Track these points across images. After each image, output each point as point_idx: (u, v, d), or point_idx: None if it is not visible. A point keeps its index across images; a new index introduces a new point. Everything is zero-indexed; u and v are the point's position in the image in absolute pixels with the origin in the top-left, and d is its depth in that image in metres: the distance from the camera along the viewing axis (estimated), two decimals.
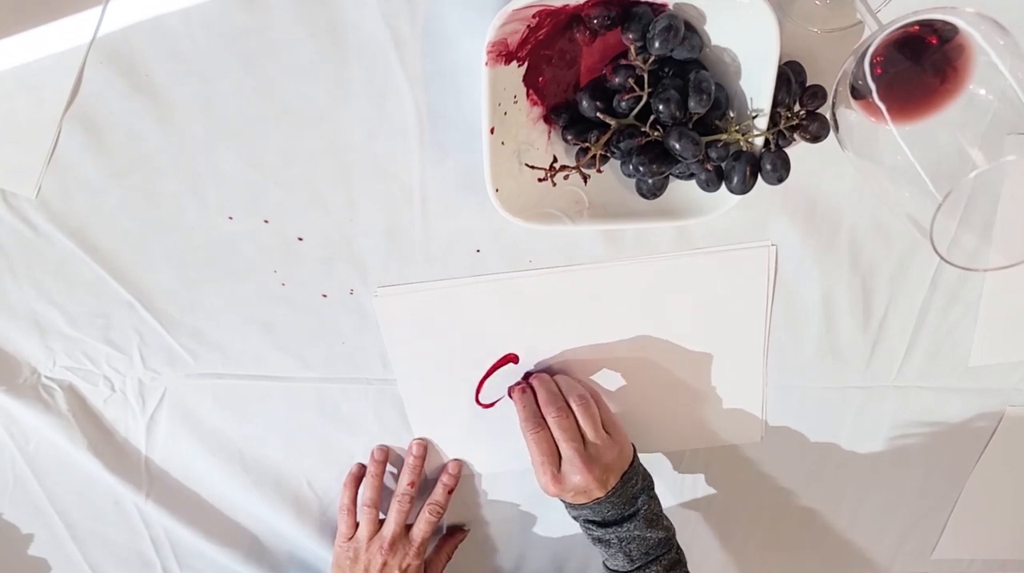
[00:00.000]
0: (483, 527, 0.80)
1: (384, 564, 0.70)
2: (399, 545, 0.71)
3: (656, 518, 0.67)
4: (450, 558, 0.78)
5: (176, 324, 0.66)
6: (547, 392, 0.66)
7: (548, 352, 0.69)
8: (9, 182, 0.58)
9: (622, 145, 0.53)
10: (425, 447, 0.73)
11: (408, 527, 0.72)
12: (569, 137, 0.55)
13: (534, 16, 0.49)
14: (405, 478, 0.72)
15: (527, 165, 0.55)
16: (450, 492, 0.73)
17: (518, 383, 0.69)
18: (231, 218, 0.61)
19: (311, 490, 0.75)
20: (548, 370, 0.70)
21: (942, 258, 0.43)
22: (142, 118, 0.56)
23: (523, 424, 0.66)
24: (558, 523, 0.80)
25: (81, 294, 0.64)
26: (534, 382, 0.68)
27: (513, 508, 0.79)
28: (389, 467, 0.74)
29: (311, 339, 0.67)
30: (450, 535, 0.79)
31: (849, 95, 0.45)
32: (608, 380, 0.71)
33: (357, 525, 0.72)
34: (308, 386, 0.69)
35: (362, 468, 0.73)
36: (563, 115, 0.55)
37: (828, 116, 0.48)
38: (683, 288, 0.66)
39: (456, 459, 0.74)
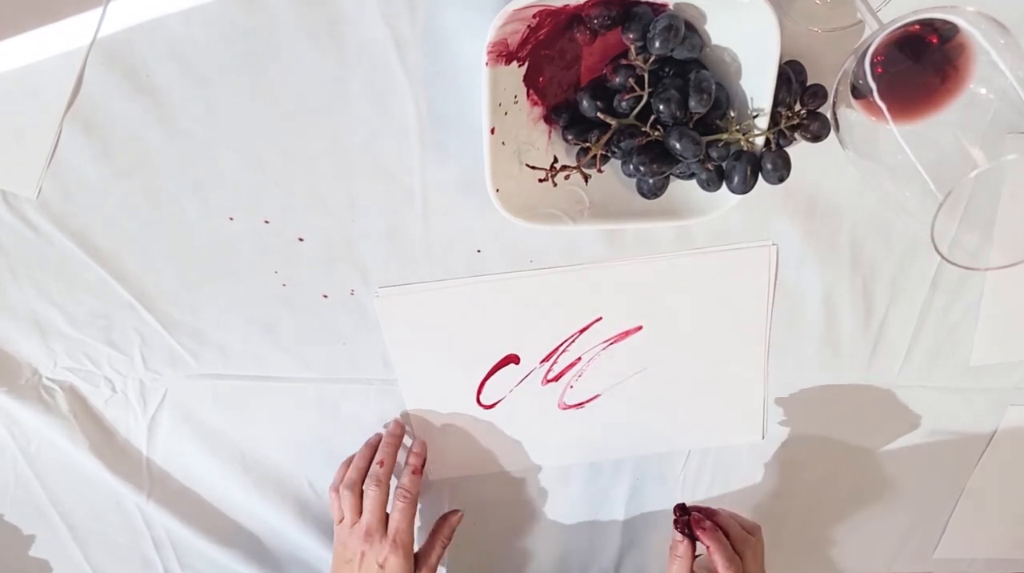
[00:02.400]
0: (484, 527, 0.80)
1: (363, 554, 0.66)
2: (375, 536, 0.66)
3: None
4: (446, 545, 0.73)
5: (177, 325, 0.66)
6: (722, 546, 0.64)
7: (548, 351, 0.69)
8: (10, 183, 0.58)
9: (623, 145, 0.53)
10: (403, 426, 0.70)
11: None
12: (569, 137, 0.55)
13: (534, 16, 0.49)
14: (376, 458, 0.68)
15: (528, 165, 0.55)
16: (416, 472, 0.69)
17: (695, 525, 0.66)
18: (232, 219, 0.61)
19: (312, 490, 0.75)
20: (706, 512, 0.68)
21: (943, 257, 0.43)
22: (143, 119, 0.56)
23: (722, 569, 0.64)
24: (559, 523, 0.80)
25: (82, 295, 0.64)
26: (707, 539, 0.65)
27: (514, 508, 0.79)
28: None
29: (312, 339, 0.67)
30: (443, 520, 0.74)
31: (850, 94, 0.45)
32: (609, 380, 0.71)
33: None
34: (309, 386, 0.69)
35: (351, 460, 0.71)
36: (563, 115, 0.55)
37: (829, 115, 0.48)
38: (683, 288, 0.66)
39: (421, 439, 0.71)
